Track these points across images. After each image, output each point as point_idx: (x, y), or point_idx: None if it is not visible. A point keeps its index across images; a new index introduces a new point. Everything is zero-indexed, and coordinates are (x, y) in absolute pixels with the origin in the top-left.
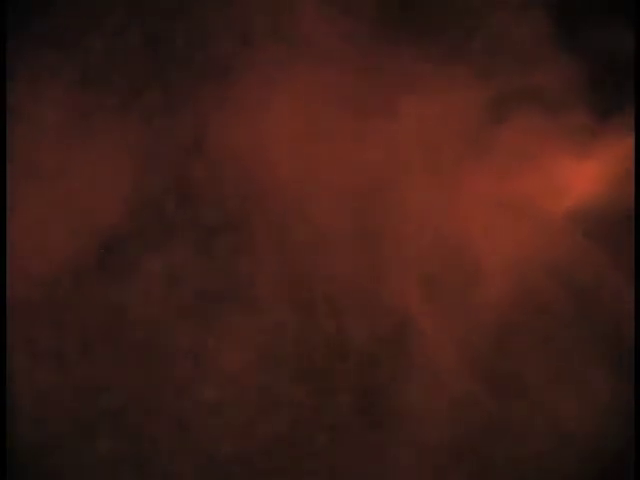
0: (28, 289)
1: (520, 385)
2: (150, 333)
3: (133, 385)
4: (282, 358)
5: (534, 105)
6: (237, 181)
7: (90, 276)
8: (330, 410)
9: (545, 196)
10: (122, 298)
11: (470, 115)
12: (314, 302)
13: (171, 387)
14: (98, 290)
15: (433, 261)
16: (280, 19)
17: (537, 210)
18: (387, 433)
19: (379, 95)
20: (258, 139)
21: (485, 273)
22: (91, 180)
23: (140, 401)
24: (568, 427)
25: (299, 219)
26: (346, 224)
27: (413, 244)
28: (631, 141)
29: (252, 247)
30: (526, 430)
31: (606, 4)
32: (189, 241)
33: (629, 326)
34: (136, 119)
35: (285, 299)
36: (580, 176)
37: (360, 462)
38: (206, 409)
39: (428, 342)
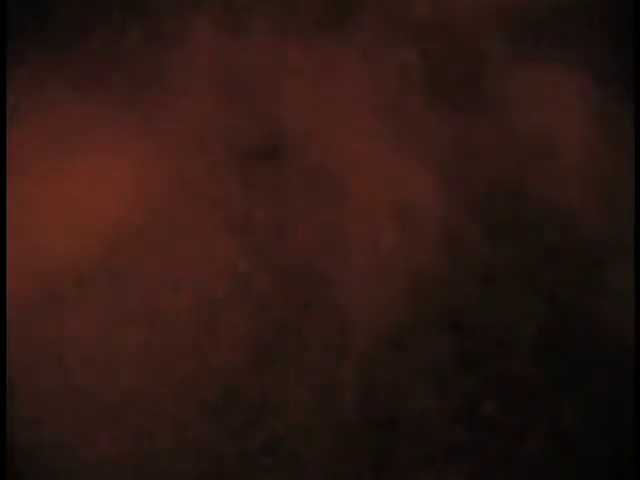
0: (28, 289)
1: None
2: (150, 333)
3: (133, 385)
4: (282, 358)
5: None
6: (241, 178)
7: (90, 276)
8: (330, 410)
9: None
10: (122, 298)
11: None
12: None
13: (171, 387)
14: (98, 290)
15: None
16: None
17: None
18: (387, 433)
19: None
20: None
21: None
22: (91, 180)
23: (140, 401)
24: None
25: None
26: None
27: None
28: None
29: (253, 247)
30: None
31: None
32: (190, 241)
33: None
34: (136, 119)
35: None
36: None
37: (360, 462)
38: (206, 409)
39: None
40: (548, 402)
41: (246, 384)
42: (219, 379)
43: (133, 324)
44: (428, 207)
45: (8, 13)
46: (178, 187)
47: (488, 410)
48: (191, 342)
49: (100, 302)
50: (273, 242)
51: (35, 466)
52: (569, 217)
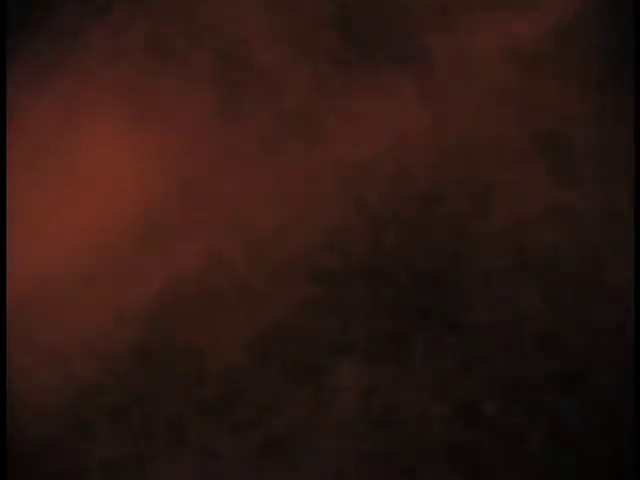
0: (28, 289)
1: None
2: (150, 333)
3: (133, 385)
4: (282, 358)
5: None
6: (240, 177)
7: (91, 276)
8: (330, 410)
9: None
10: (122, 298)
11: None
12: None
13: (171, 387)
14: (98, 290)
15: None
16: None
17: None
18: (387, 433)
19: None
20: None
21: None
22: (92, 180)
23: (140, 401)
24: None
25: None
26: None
27: None
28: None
29: (253, 247)
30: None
31: None
32: (190, 242)
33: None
34: (137, 118)
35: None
36: None
37: (360, 461)
38: (206, 409)
39: None
40: (548, 402)
41: (246, 384)
42: (219, 379)
43: (133, 324)
44: (426, 205)
45: (8, 12)
46: (178, 187)
47: (488, 410)
48: (191, 342)
49: (100, 302)
50: (273, 242)
51: (35, 466)
52: (569, 217)
